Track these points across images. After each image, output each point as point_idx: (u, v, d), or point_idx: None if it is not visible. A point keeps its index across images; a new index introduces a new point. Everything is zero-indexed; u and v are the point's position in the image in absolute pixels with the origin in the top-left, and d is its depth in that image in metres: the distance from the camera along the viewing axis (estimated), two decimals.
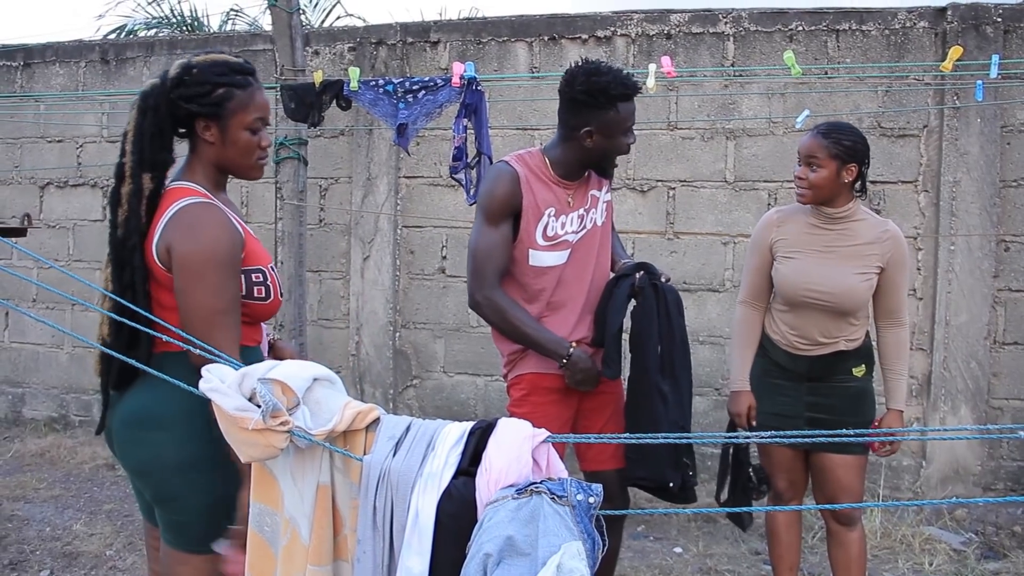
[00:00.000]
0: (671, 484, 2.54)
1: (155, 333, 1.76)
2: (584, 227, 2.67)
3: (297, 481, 1.82)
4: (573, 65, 2.64)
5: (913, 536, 4.16)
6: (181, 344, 1.76)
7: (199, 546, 1.90)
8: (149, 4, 8.70)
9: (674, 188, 5.19)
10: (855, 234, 2.86)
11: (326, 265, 5.75)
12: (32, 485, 4.85)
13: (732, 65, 5.08)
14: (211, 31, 8.81)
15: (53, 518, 4.36)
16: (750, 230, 4.98)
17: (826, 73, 4.98)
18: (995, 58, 3.41)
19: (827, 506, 3.00)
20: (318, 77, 3.67)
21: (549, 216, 2.58)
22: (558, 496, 1.53)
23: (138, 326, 1.78)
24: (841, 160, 2.79)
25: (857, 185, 2.89)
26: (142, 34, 8.71)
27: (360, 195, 5.62)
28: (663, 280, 2.67)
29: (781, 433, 1.79)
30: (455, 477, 1.63)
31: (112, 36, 8.60)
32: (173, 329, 1.80)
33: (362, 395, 5.59)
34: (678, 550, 4.13)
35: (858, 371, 2.93)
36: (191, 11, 9.09)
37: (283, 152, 4.57)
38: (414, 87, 3.38)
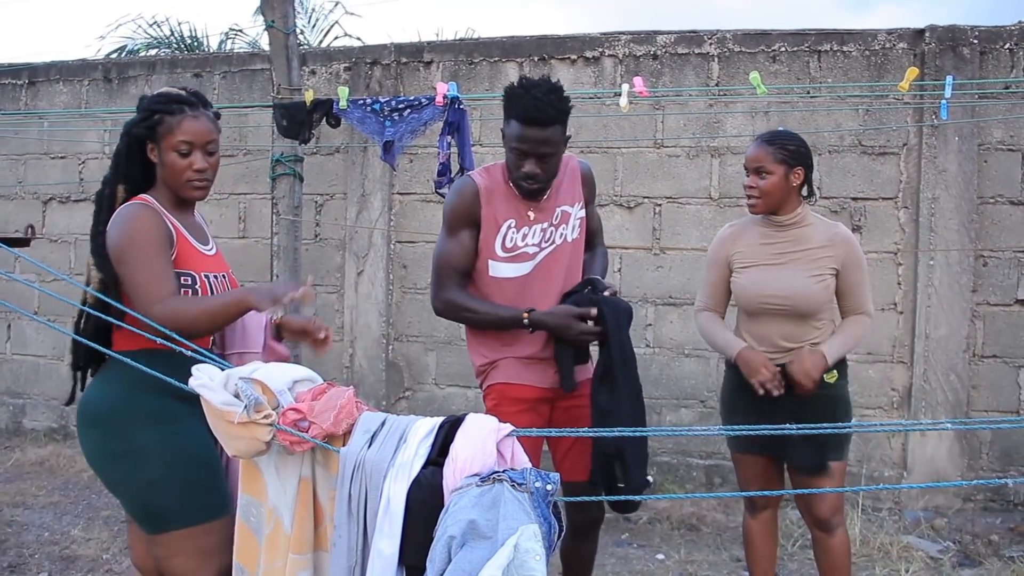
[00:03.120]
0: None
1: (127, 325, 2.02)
2: (552, 242, 2.71)
3: (280, 473, 1.93)
4: None
5: (891, 544, 4.24)
6: (164, 342, 1.98)
7: (158, 526, 2.13)
8: (151, 26, 8.91)
9: (660, 204, 5.32)
10: (807, 239, 2.92)
11: (321, 279, 5.87)
12: (31, 492, 4.96)
13: (717, 85, 5.22)
14: (210, 51, 8.98)
15: (52, 523, 4.47)
16: None
17: (808, 93, 5.12)
18: (949, 79, 3.54)
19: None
20: (309, 96, 3.80)
21: (508, 227, 2.65)
22: (518, 484, 1.64)
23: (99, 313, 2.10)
24: (788, 165, 2.86)
25: (804, 190, 2.95)
26: (143, 54, 8.87)
27: (355, 211, 5.75)
28: (607, 294, 2.67)
29: (794, 427, 1.83)
30: (424, 467, 1.75)
31: (114, 55, 8.76)
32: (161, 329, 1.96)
33: None
34: (660, 556, 4.22)
35: (829, 377, 2.90)
36: (191, 32, 9.21)
37: (279, 169, 4.70)
38: (400, 106, 3.51)
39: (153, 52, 9.02)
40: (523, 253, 2.67)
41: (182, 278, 2.19)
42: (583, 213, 2.82)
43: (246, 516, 1.99)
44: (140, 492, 2.13)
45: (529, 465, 1.79)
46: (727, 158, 5.21)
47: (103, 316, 2.04)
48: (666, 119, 5.31)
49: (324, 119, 3.78)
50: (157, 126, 2.18)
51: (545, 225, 2.69)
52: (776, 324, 2.90)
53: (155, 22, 8.90)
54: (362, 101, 3.63)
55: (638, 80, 3.15)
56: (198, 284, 2.22)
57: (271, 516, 1.93)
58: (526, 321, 2.60)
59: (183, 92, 2.27)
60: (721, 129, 5.23)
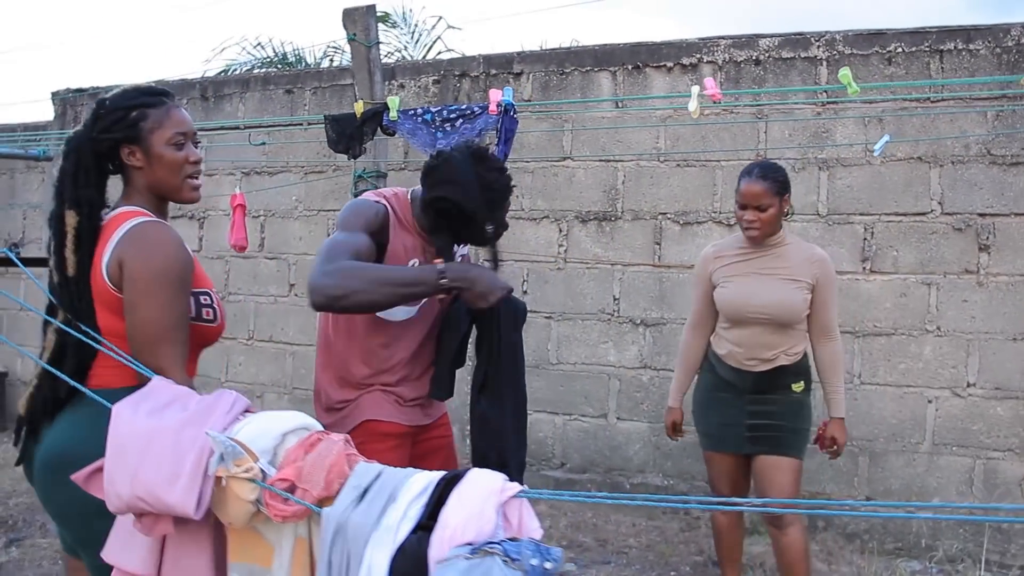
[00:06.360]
0: None
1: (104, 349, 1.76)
2: None
3: (276, 533, 1.72)
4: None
5: None
6: (131, 365, 1.80)
7: None
8: (254, 47, 9.06)
9: None
10: (786, 257, 3.20)
11: None
12: None
13: (825, 91, 4.79)
14: (305, 67, 9.06)
15: None
16: (845, 266, 4.69)
17: (928, 97, 4.63)
18: None
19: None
20: (359, 108, 3.64)
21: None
22: (511, 559, 1.38)
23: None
24: (780, 195, 3.16)
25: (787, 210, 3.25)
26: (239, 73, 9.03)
27: None
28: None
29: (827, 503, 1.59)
30: (414, 531, 1.50)
31: (221, 76, 8.95)
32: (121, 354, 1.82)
33: None
34: None
35: (797, 387, 3.24)
36: (294, 51, 9.32)
37: (361, 185, 4.55)
38: (452, 115, 3.30)
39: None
40: None
41: (202, 297, 2.02)
42: (465, 250, 2.60)
43: None
44: None
45: (539, 532, 1.53)
46: (836, 171, 4.77)
47: (108, 348, 1.84)
48: (769, 129, 4.92)
49: (376, 131, 3.61)
50: (140, 122, 1.95)
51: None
52: (758, 332, 3.17)
53: (259, 43, 9.08)
54: (413, 111, 3.44)
55: (709, 81, 2.84)
56: (214, 301, 2.05)
57: None
58: (442, 273, 2.18)
59: (153, 85, 2.06)
60: (830, 139, 4.79)
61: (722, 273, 3.27)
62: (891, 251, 4.66)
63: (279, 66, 9.11)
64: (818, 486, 4.67)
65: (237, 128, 5.95)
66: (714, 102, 2.87)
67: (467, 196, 2.25)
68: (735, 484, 3.34)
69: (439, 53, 9.34)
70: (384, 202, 2.36)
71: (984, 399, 4.45)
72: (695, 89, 2.88)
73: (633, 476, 5.11)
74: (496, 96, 3.20)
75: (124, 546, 1.74)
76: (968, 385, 4.49)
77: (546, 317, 5.36)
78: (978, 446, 4.46)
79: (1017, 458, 4.40)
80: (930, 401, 4.55)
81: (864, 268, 4.70)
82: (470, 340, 2.60)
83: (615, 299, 5.21)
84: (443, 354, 2.50)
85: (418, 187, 2.41)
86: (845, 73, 2.71)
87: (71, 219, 1.92)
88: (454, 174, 2.27)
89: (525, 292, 5.40)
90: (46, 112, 7.31)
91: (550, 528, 4.70)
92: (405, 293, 2.20)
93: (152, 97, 2.00)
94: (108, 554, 1.70)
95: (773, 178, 3.16)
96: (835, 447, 3.29)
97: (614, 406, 5.20)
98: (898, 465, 4.59)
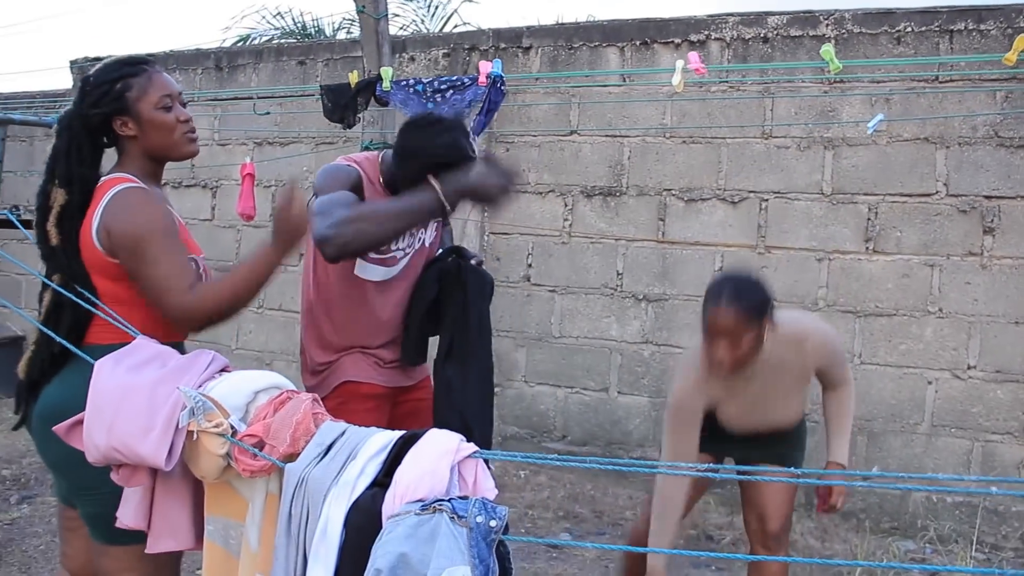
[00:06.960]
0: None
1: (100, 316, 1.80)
2: (412, 246, 2.51)
3: (248, 488, 1.78)
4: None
5: None
6: (119, 325, 1.85)
7: (115, 537, 1.91)
8: (274, 16, 9.11)
9: (767, 200, 4.92)
10: (783, 366, 2.59)
11: None
12: None
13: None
14: (323, 38, 9.09)
15: None
16: (848, 246, 4.69)
17: (937, 78, 4.59)
18: None
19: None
20: (353, 78, 3.68)
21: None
22: (458, 516, 1.42)
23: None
24: (760, 318, 2.43)
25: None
26: (254, 43, 9.07)
27: None
28: (472, 262, 2.54)
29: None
30: (370, 488, 1.55)
31: (240, 45, 9.00)
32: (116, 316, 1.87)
33: None
34: None
35: None
36: (313, 21, 9.36)
37: None
38: (442, 86, 3.34)
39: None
40: (392, 257, 2.46)
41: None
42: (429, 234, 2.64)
43: (224, 540, 1.84)
44: (114, 499, 1.85)
45: (494, 492, 1.57)
46: (842, 150, 4.75)
47: (100, 309, 1.91)
48: (776, 106, 4.90)
49: (370, 101, 3.65)
50: (126, 93, 1.98)
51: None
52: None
53: (278, 13, 9.12)
54: (405, 82, 3.48)
55: (693, 56, 2.84)
56: (201, 269, 2.08)
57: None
58: (438, 190, 2.17)
59: (133, 55, 2.10)
60: (836, 118, 4.77)
61: (716, 396, 2.65)
62: (895, 232, 4.64)
63: (297, 37, 9.13)
64: (815, 465, 4.68)
65: (250, 98, 6.01)
66: (699, 76, 2.87)
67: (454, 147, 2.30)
68: (699, 486, 2.92)
69: (455, 27, 9.34)
70: (355, 166, 2.41)
71: (984, 382, 4.44)
72: (679, 64, 2.88)
73: (632, 450, 5.15)
74: (486, 68, 3.22)
75: (123, 501, 1.81)
76: (968, 367, 4.49)
77: (549, 291, 5.39)
78: (977, 428, 4.46)
79: (1016, 441, 4.40)
80: (930, 382, 4.55)
81: (867, 248, 4.69)
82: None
83: (618, 274, 5.23)
84: (412, 319, 2.55)
85: (389, 151, 2.45)
86: (827, 49, 2.71)
87: (59, 196, 1.96)
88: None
89: (530, 265, 5.44)
90: (65, 80, 7.40)
91: (548, 499, 4.76)
92: (410, 221, 2.21)
93: (132, 66, 2.02)
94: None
95: (748, 302, 2.41)
96: (835, 501, 2.72)
97: (615, 380, 5.24)
98: (896, 445, 4.60)
